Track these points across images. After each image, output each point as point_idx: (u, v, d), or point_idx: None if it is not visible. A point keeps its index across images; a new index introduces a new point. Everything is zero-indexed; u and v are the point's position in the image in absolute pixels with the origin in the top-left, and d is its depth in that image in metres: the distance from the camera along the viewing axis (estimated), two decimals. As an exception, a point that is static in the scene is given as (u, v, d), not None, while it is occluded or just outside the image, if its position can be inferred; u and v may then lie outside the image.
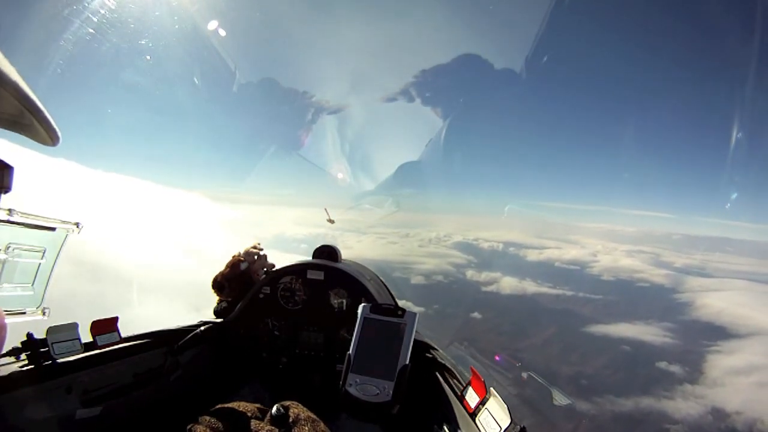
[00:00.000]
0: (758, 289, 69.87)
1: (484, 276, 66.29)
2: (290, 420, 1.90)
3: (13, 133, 1.00)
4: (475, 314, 44.03)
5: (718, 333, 47.90)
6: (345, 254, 3.73)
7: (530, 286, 61.53)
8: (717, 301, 57.38)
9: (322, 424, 1.90)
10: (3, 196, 1.09)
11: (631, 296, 66.12)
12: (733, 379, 37.59)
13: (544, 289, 60.39)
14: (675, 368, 38.05)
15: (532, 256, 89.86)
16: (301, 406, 1.99)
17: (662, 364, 38.70)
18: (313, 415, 1.95)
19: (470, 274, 69.35)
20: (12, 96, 0.85)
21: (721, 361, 40.54)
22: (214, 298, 3.42)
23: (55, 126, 1.03)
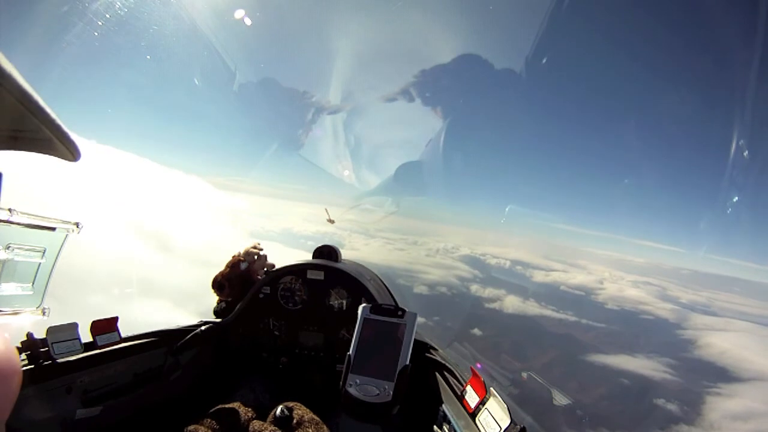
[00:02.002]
0: (763, 333, 69.10)
1: (488, 292, 66.01)
2: (294, 421, 2.03)
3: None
4: (476, 330, 43.81)
5: (719, 374, 47.38)
6: (351, 256, 3.74)
7: (533, 308, 61.27)
8: (721, 341, 56.74)
9: (325, 427, 2.03)
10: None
11: (634, 328, 65.46)
12: (731, 424, 37.10)
13: (548, 312, 60.08)
14: (673, 407, 37.58)
15: (539, 277, 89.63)
16: (305, 408, 2.12)
17: (660, 401, 38.25)
18: (316, 417, 2.07)
19: (474, 288, 69.06)
20: (18, 100, 0.81)
21: (720, 404, 40.03)
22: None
23: (73, 139, 1.02)
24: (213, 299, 3.43)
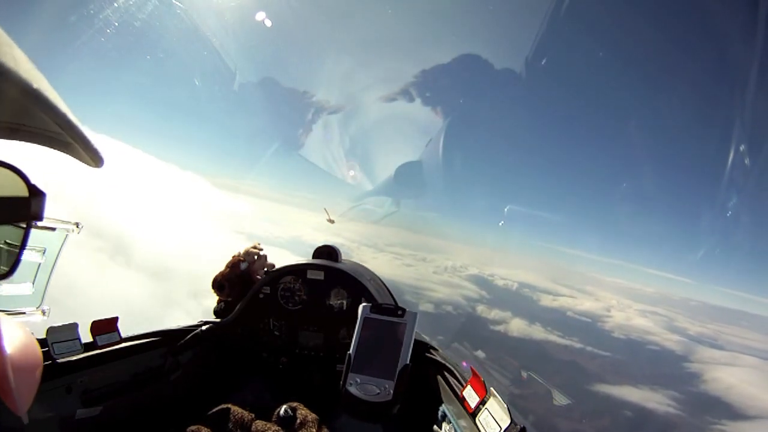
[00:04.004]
0: (771, 370, 67.85)
1: (494, 314, 65.21)
2: (297, 422, 2.09)
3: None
4: (479, 352, 43.39)
5: (724, 410, 46.58)
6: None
7: (539, 332, 60.46)
8: (727, 376, 55.67)
9: (326, 430, 2.09)
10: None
11: (640, 358, 64.54)
12: (734, 463, 36.65)
13: (553, 338, 59.25)
14: (675, 443, 37.23)
15: (546, 301, 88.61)
16: (307, 409, 2.18)
17: (663, 436, 37.94)
18: (319, 418, 2.14)
19: (480, 309, 68.27)
20: (53, 120, 0.84)
21: (724, 442, 39.61)
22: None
23: (97, 148, 1.03)
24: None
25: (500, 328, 60.17)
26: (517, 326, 60.95)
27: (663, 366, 62.77)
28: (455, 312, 64.06)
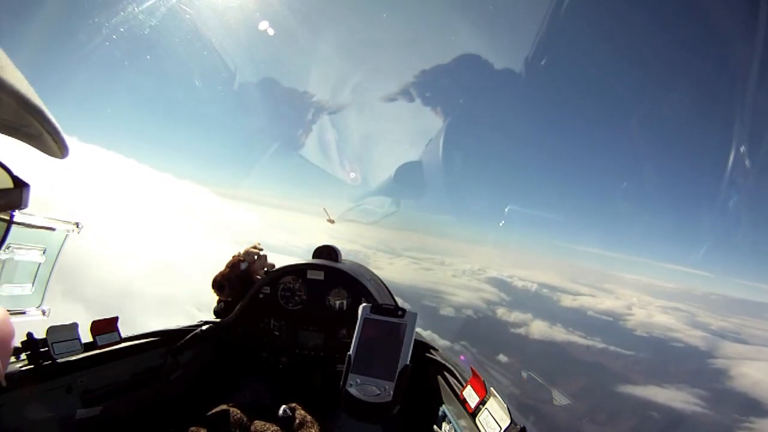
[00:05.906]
0: (797, 363, 66.68)
1: (515, 316, 65.11)
2: (297, 422, 2.11)
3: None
4: (501, 356, 43.50)
5: (752, 407, 46.19)
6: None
7: (560, 333, 60.39)
8: (753, 371, 54.90)
9: (326, 428, 2.12)
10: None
11: (663, 356, 63.96)
12: (763, 462, 36.34)
13: (575, 338, 59.09)
14: (703, 444, 36.99)
15: (566, 301, 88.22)
16: (306, 410, 2.21)
17: (691, 437, 37.72)
18: (318, 419, 2.16)
19: (501, 312, 68.25)
20: (17, 104, 0.83)
21: (753, 440, 39.28)
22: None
23: (64, 137, 1.03)
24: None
25: (521, 330, 60.35)
26: (539, 328, 61.06)
27: (687, 363, 62.13)
28: (476, 316, 64.25)
